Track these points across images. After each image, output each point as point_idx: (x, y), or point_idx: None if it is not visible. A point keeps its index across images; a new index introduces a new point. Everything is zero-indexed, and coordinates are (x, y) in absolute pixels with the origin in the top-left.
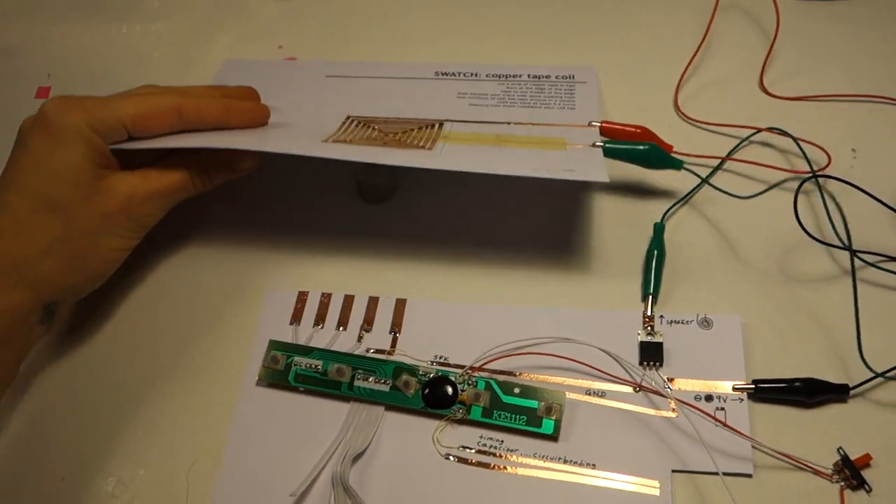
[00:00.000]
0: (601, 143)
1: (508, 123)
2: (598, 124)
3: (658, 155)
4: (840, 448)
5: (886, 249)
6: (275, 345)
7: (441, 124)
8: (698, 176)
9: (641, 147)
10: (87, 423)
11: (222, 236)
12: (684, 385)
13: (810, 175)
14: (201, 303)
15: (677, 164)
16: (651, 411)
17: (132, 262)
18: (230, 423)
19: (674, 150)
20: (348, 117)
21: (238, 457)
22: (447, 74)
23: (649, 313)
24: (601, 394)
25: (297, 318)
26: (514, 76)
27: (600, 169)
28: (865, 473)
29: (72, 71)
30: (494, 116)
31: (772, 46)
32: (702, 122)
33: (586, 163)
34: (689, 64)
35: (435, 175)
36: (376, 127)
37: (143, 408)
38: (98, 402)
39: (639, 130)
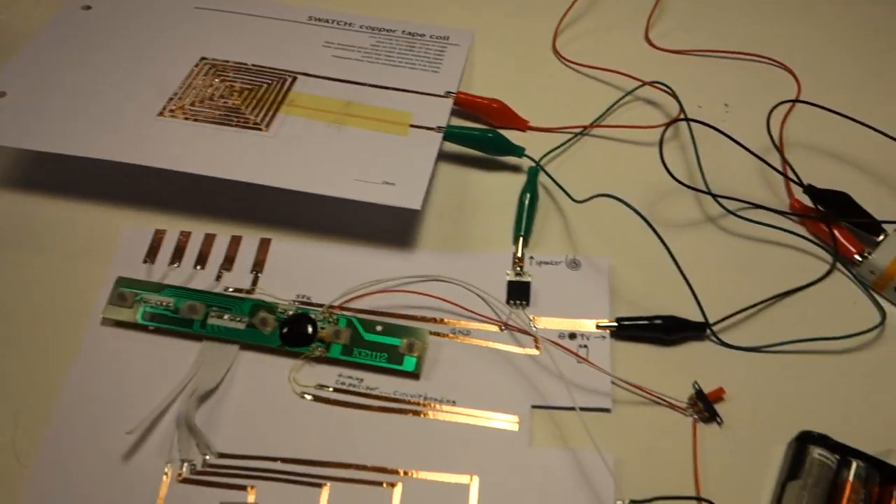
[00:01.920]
0: (444, 127)
1: (365, 85)
2: (454, 95)
3: (498, 143)
4: (695, 382)
5: (750, 197)
6: (122, 282)
7: (294, 80)
8: (536, 163)
9: (480, 134)
10: None
11: (79, 177)
12: (550, 324)
13: (682, 118)
14: (50, 246)
15: (518, 152)
16: (515, 349)
17: None
18: (70, 365)
19: (529, 124)
20: (202, 59)
21: (76, 399)
22: (320, 20)
23: (519, 254)
24: (466, 332)
25: (151, 257)
26: (388, 30)
27: (419, 189)
28: (718, 407)
29: None
30: (353, 74)
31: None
32: (582, 65)
33: (414, 170)
34: (571, 7)
35: None
36: (225, 78)
37: None
38: None
39: (494, 104)
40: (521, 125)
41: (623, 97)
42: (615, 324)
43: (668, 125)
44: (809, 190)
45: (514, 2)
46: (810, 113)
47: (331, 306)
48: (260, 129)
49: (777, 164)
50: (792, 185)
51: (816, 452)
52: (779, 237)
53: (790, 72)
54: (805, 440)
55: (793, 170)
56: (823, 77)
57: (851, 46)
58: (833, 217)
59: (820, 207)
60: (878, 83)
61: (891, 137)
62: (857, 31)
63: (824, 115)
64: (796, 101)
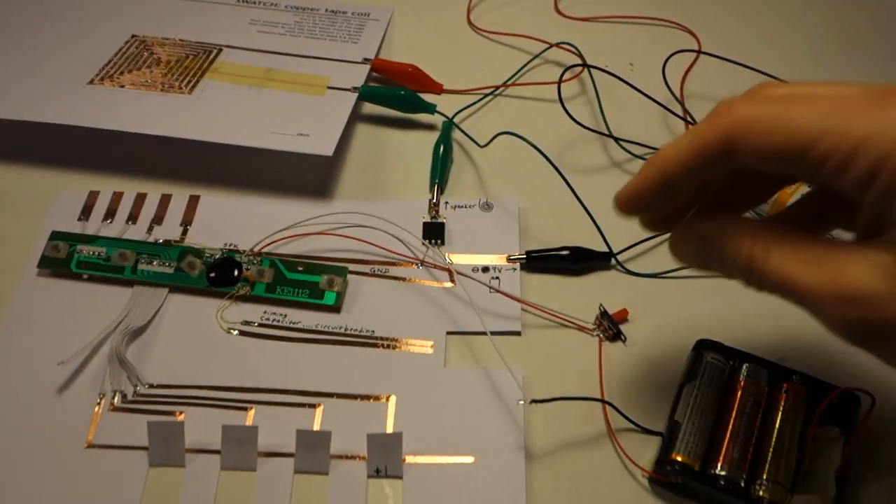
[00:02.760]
0: (359, 87)
1: (287, 55)
2: (370, 61)
3: (410, 100)
4: (600, 304)
5: (653, 143)
6: (57, 235)
7: (219, 51)
8: (447, 118)
9: (392, 92)
10: None
11: (13, 143)
12: (464, 259)
13: (582, 64)
14: None
15: (430, 109)
16: (432, 283)
17: None
18: (5, 309)
19: (443, 87)
20: (133, 36)
21: (10, 342)
22: (247, 3)
23: (434, 200)
24: (385, 271)
25: (85, 214)
26: (311, 9)
27: (331, 139)
28: (623, 328)
29: None
30: (276, 46)
31: None
32: (494, 33)
33: (328, 123)
34: None
35: None
36: (154, 51)
37: None
38: None
39: (409, 69)
40: (436, 88)
41: (532, 59)
42: (524, 256)
43: (567, 72)
44: None
45: None
46: (708, 66)
47: (255, 251)
48: (183, 93)
49: (679, 113)
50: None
51: (710, 357)
52: None
53: (690, 32)
54: (701, 347)
55: (692, 116)
56: (720, 35)
57: (740, 4)
58: None
59: None
60: (770, 36)
61: (777, 78)
62: None
63: (719, 67)
64: (691, 50)
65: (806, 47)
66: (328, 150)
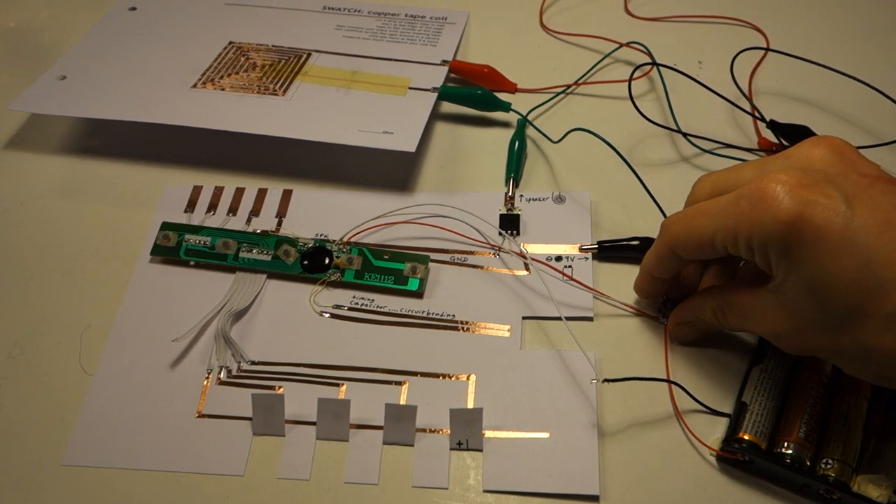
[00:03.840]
0: (438, 88)
1: (370, 58)
2: (449, 62)
3: (487, 99)
4: (664, 294)
5: (721, 138)
6: (167, 225)
7: (308, 56)
8: (521, 115)
9: (469, 91)
10: None
11: (127, 143)
12: (538, 249)
13: (651, 63)
14: (104, 200)
15: (505, 107)
16: (507, 271)
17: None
18: (125, 292)
19: (518, 87)
20: (230, 43)
21: (130, 321)
22: (333, 9)
23: (510, 193)
24: (464, 259)
25: (191, 207)
26: (392, 14)
27: (414, 136)
28: None
29: None
30: (360, 49)
31: None
32: (566, 34)
33: (410, 121)
34: None
35: None
36: (250, 57)
37: (46, 285)
38: (5, 280)
39: (485, 69)
40: (510, 87)
41: (603, 59)
42: (595, 246)
43: (637, 71)
44: (772, 124)
45: None
46: (776, 63)
47: (344, 241)
48: (277, 95)
49: (747, 109)
50: (759, 125)
51: None
52: None
53: (758, 30)
54: None
55: (759, 112)
56: (788, 32)
57: (808, 1)
58: None
59: (783, 141)
60: (837, 32)
61: (847, 75)
62: None
63: (788, 64)
64: (759, 48)
65: (872, 43)
66: (411, 146)
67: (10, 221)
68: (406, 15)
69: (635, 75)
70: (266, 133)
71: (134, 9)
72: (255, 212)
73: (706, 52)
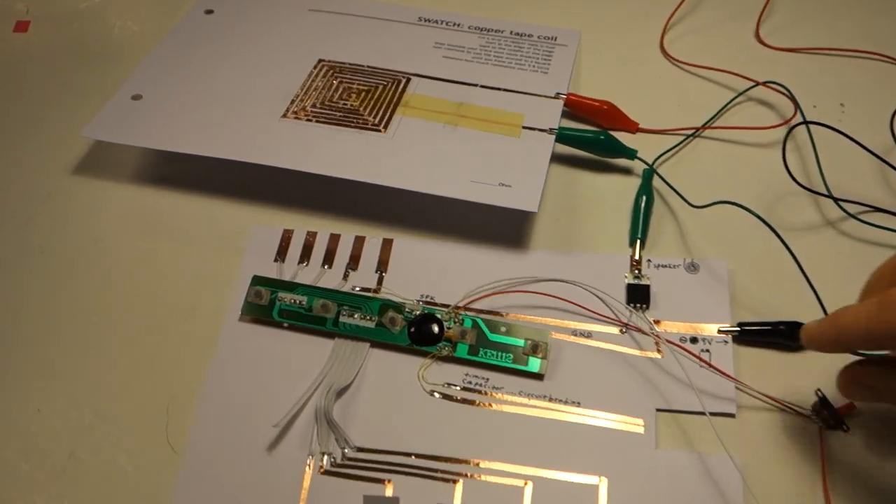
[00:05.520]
0: (555, 129)
1: (476, 86)
2: (564, 96)
3: (610, 145)
4: (818, 390)
5: (870, 199)
6: (258, 280)
7: (408, 81)
8: (649, 165)
9: (592, 136)
10: (64, 356)
11: (208, 178)
12: (670, 327)
13: (801, 121)
14: (184, 241)
15: (630, 154)
16: (636, 352)
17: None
18: (211, 357)
19: (639, 126)
20: (319, 61)
21: (218, 390)
22: (429, 21)
23: (637, 257)
24: (587, 334)
25: (281, 255)
26: (496, 31)
27: (535, 192)
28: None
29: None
30: (464, 74)
31: None
32: (691, 65)
33: (529, 171)
34: (681, 4)
35: None
36: (343, 80)
37: (125, 343)
38: (78, 334)
39: (604, 106)
40: (631, 127)
41: (735, 97)
42: (737, 329)
43: (785, 126)
44: None
45: None
46: None
47: (456, 307)
48: (378, 131)
49: None
50: None
51: None
52: None
53: None
54: None
55: None
56: None
57: None
58: None
59: None
60: None
61: None
62: None
63: None
64: None
65: None
66: (532, 205)
67: (85, 261)
68: (511, 32)
69: (772, 121)
70: (373, 181)
71: (211, 11)
72: (353, 263)
73: (849, 92)
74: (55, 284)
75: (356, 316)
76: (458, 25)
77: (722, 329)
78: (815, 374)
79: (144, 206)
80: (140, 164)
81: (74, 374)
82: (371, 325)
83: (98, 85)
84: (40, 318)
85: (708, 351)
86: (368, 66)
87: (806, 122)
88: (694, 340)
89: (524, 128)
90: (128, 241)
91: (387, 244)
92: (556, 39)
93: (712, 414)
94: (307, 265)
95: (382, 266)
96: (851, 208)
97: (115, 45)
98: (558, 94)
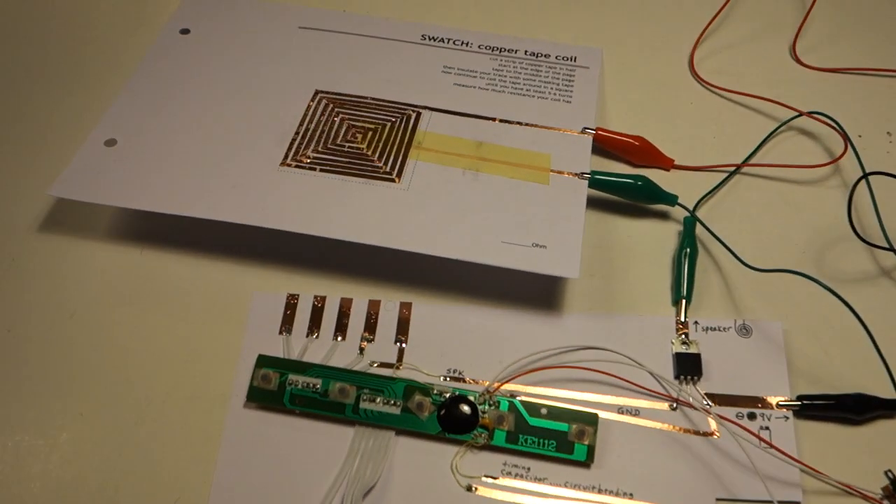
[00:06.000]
0: (588, 174)
1: (494, 120)
2: (593, 132)
3: (648, 191)
4: (889, 471)
5: None
6: (264, 360)
7: (418, 116)
8: (690, 213)
9: (630, 183)
10: (47, 458)
11: (199, 235)
12: (724, 401)
13: (862, 176)
14: (175, 311)
15: (671, 200)
16: (690, 432)
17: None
18: (217, 451)
19: (675, 163)
20: (316, 93)
21: (228, 491)
22: (435, 39)
23: (683, 319)
24: (635, 412)
25: (287, 325)
26: (509, 50)
27: (573, 254)
28: None
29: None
30: (480, 106)
31: (810, 9)
32: (725, 90)
33: (564, 228)
34: (712, 21)
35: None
36: (346, 117)
37: (115, 433)
38: (61, 430)
39: (636, 142)
40: (666, 164)
41: (777, 128)
42: (798, 403)
43: (854, 186)
44: None
45: (642, 10)
46: None
47: (488, 390)
48: (392, 181)
49: None
50: None
51: None
52: None
53: None
54: None
55: None
56: None
57: None
58: None
59: None
60: None
61: None
62: None
63: None
64: None
65: None
66: (573, 271)
67: (61, 340)
68: (527, 52)
69: (817, 155)
70: (393, 246)
71: (187, 31)
72: (370, 331)
73: (895, 119)
74: (24, 371)
75: (378, 401)
76: (468, 45)
77: (781, 403)
78: (883, 449)
79: (126, 269)
80: (119, 218)
81: (65, 481)
82: (396, 410)
83: (63, 124)
84: (10, 414)
85: (768, 429)
86: (372, 99)
87: (868, 175)
88: (752, 417)
89: (552, 171)
90: (109, 314)
91: (405, 308)
92: (575, 60)
93: (780, 502)
94: (317, 337)
95: (402, 335)
96: None
97: (79, 72)
98: (585, 129)
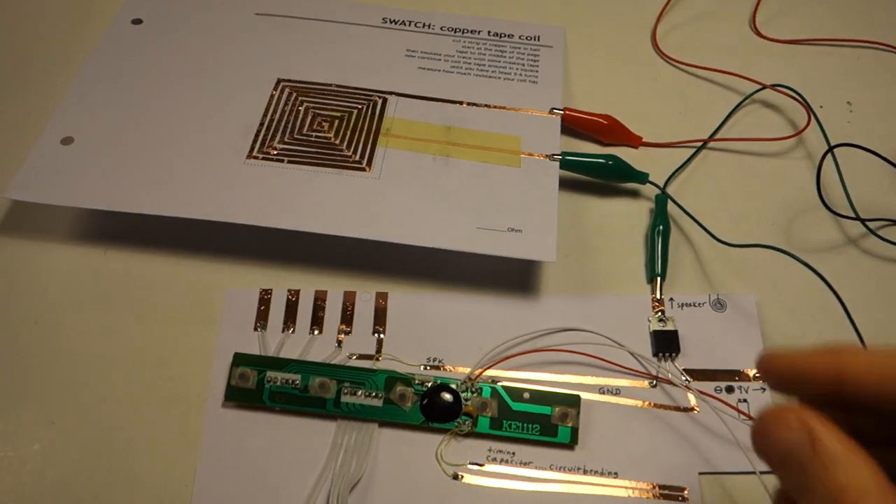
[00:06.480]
0: (559, 156)
1: (461, 103)
2: (561, 112)
3: (620, 170)
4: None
5: (891, 213)
6: (241, 358)
7: (384, 102)
8: (661, 190)
9: (602, 162)
10: (20, 473)
11: (166, 233)
12: (702, 376)
13: (828, 149)
14: (146, 312)
15: (642, 178)
16: (671, 408)
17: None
18: (197, 454)
19: (643, 140)
20: (279, 82)
21: (210, 494)
22: (396, 22)
23: (659, 297)
24: (616, 391)
25: (262, 321)
26: (472, 31)
27: (548, 237)
28: None
29: None
30: (446, 90)
31: None
32: (689, 65)
33: (537, 210)
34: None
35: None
36: (311, 105)
37: (87, 445)
38: (37, 443)
39: (605, 121)
40: (634, 142)
41: (742, 102)
42: None
43: (822, 160)
44: None
45: None
46: None
47: (470, 377)
48: (363, 169)
49: None
50: None
51: None
52: None
53: None
54: None
55: None
56: None
57: None
58: None
59: None
60: None
61: None
62: None
63: None
64: None
65: None
66: (550, 254)
67: (27, 348)
68: (489, 33)
69: (781, 127)
70: (368, 237)
71: (139, 21)
72: (346, 323)
73: (854, 88)
74: None
75: (360, 393)
76: (429, 27)
77: (758, 375)
78: None
79: (91, 271)
80: (80, 218)
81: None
82: (378, 403)
83: (13, 123)
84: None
85: (745, 401)
86: (337, 86)
87: (833, 148)
88: (730, 390)
89: (523, 154)
90: (75, 318)
91: (381, 298)
92: (539, 39)
93: (762, 472)
94: (293, 332)
95: (380, 326)
96: (873, 224)
97: (27, 67)
98: (553, 109)
